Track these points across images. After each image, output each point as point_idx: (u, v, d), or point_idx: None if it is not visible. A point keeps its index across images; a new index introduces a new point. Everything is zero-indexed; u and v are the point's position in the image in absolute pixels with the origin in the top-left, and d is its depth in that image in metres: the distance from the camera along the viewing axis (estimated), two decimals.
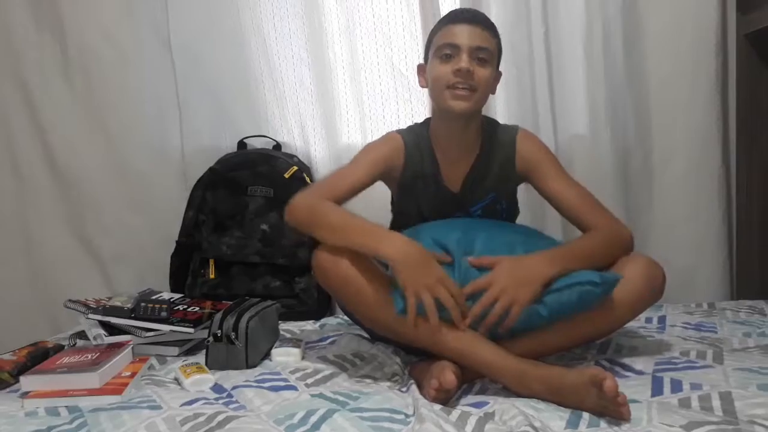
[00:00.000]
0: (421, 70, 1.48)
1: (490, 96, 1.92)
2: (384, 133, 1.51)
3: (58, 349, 1.44)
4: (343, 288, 1.26)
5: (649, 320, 1.58)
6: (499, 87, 1.93)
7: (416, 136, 1.48)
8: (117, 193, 2.06)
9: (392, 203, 1.55)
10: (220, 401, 1.15)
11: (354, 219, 1.27)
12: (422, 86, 1.48)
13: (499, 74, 1.47)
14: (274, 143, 2.05)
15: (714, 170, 1.90)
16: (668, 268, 1.31)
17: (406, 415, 1.06)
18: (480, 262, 1.23)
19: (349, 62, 2.00)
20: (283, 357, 1.38)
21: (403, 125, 1.56)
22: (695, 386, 1.12)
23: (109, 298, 1.61)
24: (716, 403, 1.05)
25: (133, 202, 2.06)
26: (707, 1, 1.87)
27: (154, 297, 1.60)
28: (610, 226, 1.36)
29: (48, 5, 2.00)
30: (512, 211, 1.53)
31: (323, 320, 1.74)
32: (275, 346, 1.42)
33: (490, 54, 1.38)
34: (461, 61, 1.34)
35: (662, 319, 1.59)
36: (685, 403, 1.06)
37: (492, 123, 1.51)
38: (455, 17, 1.40)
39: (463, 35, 1.36)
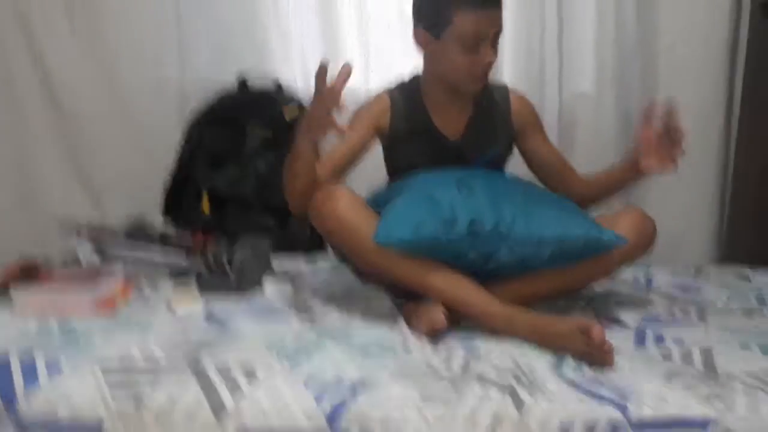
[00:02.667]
0: (420, 37, 1.38)
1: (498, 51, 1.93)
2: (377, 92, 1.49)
3: (49, 267, 1.43)
4: (337, 229, 1.25)
5: (636, 279, 1.60)
6: (508, 43, 1.95)
7: (405, 92, 1.46)
8: (113, 123, 2.02)
9: (385, 161, 1.52)
10: (212, 327, 1.16)
11: None
12: (420, 52, 1.41)
13: None
14: (275, 83, 2.02)
15: (714, 136, 1.91)
16: (659, 230, 1.33)
17: (395, 349, 1.08)
18: None
19: (356, 4, 1.96)
20: (276, 289, 1.39)
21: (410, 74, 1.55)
22: (677, 341, 1.15)
23: (102, 224, 1.60)
24: (697, 357, 1.07)
25: (129, 132, 2.02)
26: None
27: (146, 225, 1.60)
28: None
29: None
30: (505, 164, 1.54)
31: (315, 257, 1.75)
32: (267, 278, 1.43)
33: (501, 35, 1.35)
34: (488, 55, 1.31)
35: (649, 279, 1.62)
36: (666, 356, 1.08)
37: None
38: (482, 2, 1.30)
39: (489, 23, 1.30)
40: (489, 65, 1.33)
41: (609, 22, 1.91)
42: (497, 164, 1.49)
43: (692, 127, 1.87)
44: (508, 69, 1.94)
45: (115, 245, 1.47)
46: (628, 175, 1.39)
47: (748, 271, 1.68)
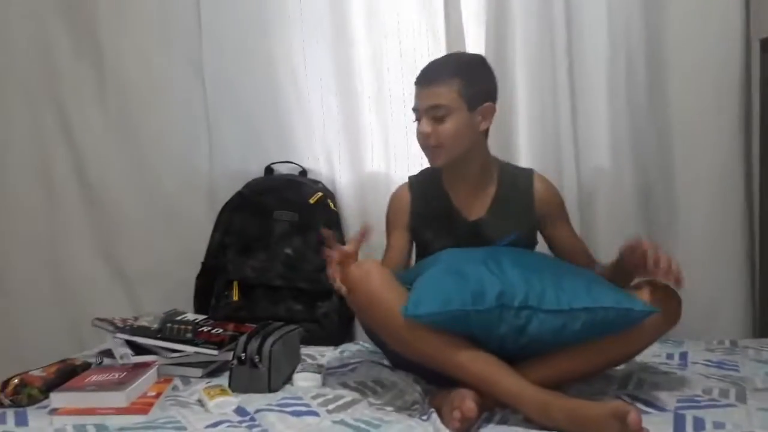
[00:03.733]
0: None
1: (513, 128, 1.98)
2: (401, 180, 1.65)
3: (86, 366, 1.47)
4: (370, 305, 1.26)
5: (670, 356, 1.57)
6: (523, 118, 1.99)
7: (427, 176, 1.58)
8: (145, 214, 2.11)
9: (415, 254, 1.60)
10: (244, 424, 1.16)
11: None
12: None
13: (489, 107, 1.49)
14: (300, 169, 2.09)
15: (737, 206, 1.89)
16: (690, 304, 1.33)
17: None
18: None
19: (375, 92, 2.04)
20: (305, 382, 1.39)
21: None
22: (718, 425, 1.11)
23: (136, 318, 1.64)
24: None
25: (161, 223, 2.10)
26: (732, 38, 1.88)
27: (179, 318, 1.63)
28: None
29: (87, 30, 2.07)
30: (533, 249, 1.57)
31: (343, 346, 1.75)
32: (297, 370, 1.44)
33: (445, 109, 1.43)
34: (421, 126, 1.46)
35: (683, 356, 1.58)
36: None
37: (506, 165, 1.59)
38: (416, 79, 1.49)
39: (419, 98, 1.47)
40: (421, 136, 1.46)
41: (620, 96, 1.94)
42: (520, 247, 1.50)
43: (714, 197, 1.91)
44: (525, 148, 1.98)
45: (149, 341, 1.50)
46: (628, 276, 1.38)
47: None
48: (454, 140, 1.45)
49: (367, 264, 1.28)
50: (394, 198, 1.62)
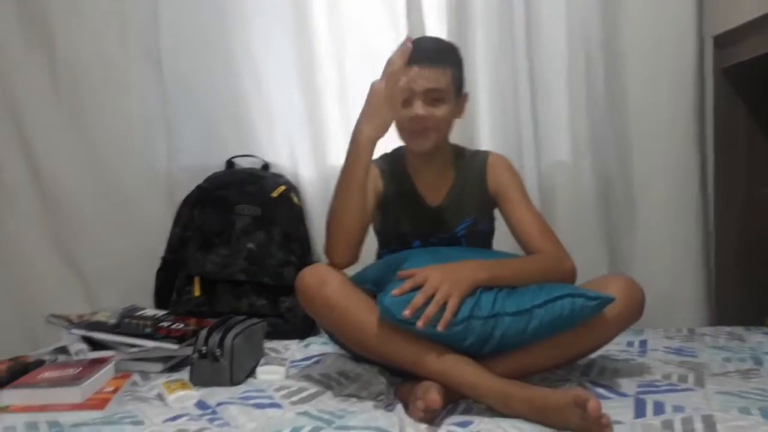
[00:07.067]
0: None
1: (476, 124, 1.99)
2: None
3: (39, 364, 1.41)
4: (327, 311, 1.27)
5: (630, 344, 1.59)
6: (484, 114, 2.01)
7: (391, 160, 1.54)
8: (102, 209, 2.05)
9: (374, 226, 1.56)
10: (204, 418, 1.14)
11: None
12: None
13: (465, 95, 1.49)
14: (263, 163, 2.06)
15: (692, 198, 1.95)
16: (649, 293, 1.34)
17: None
18: (410, 273, 1.22)
19: (338, 85, 2.03)
20: (268, 375, 1.37)
21: (390, 148, 1.59)
22: (678, 409, 1.13)
23: (93, 314, 1.59)
24: (699, 425, 1.05)
25: (119, 219, 2.04)
26: (686, 35, 1.94)
27: (138, 313, 1.59)
28: (552, 253, 1.37)
29: (39, 22, 2.00)
30: (491, 231, 1.56)
31: (308, 340, 1.74)
32: (260, 364, 1.42)
33: (442, 92, 1.39)
34: (415, 108, 1.38)
35: (643, 343, 1.61)
36: (668, 425, 1.07)
37: (462, 150, 1.56)
38: (413, 58, 1.36)
39: (416, 80, 1.37)
40: (418, 119, 1.38)
41: (580, 92, 1.98)
42: (479, 232, 1.51)
43: (670, 190, 1.96)
44: (487, 141, 1.99)
45: (107, 336, 1.45)
46: None
47: (741, 330, 1.68)
48: (444, 125, 1.44)
49: (321, 270, 1.28)
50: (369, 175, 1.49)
